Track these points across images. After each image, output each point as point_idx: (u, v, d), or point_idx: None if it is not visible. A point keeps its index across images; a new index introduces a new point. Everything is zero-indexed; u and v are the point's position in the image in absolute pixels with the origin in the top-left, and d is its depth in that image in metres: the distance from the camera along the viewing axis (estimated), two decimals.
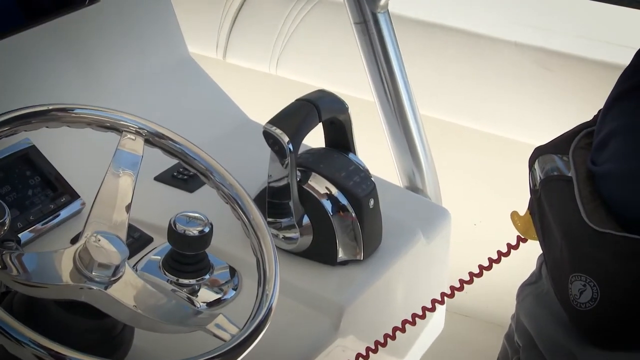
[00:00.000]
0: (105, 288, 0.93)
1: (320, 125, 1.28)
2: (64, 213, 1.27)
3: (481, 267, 1.15)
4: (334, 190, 1.24)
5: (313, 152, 1.30)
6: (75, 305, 0.94)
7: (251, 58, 2.42)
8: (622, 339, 0.93)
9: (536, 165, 1.03)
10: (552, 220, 0.98)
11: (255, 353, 0.93)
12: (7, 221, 0.96)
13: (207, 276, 1.19)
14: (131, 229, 1.14)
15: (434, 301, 1.22)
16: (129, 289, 0.94)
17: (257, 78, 2.41)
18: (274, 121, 1.21)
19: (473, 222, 2.17)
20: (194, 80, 1.59)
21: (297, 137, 1.21)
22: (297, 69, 2.36)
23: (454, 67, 2.14)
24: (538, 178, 1.02)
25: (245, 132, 1.56)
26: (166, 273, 1.18)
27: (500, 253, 1.13)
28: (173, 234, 1.14)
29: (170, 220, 1.14)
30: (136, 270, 1.16)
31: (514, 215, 1.09)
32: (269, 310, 0.95)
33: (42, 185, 1.27)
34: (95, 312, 0.94)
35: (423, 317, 1.23)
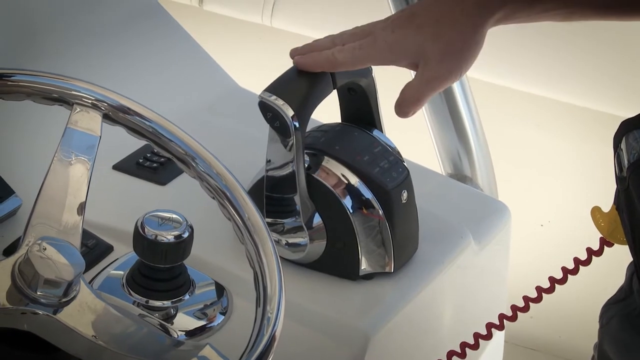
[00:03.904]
0: (55, 312, 0.94)
1: (334, 93, 1.29)
2: None
3: (552, 281, 1.16)
4: (354, 180, 1.26)
5: (326, 130, 1.31)
6: (15, 336, 0.96)
7: (237, 4, 2.43)
8: None
9: (623, 145, 1.04)
10: None
11: None
12: None
13: (186, 296, 1.21)
14: (85, 234, 1.16)
15: (489, 326, 1.24)
16: (86, 314, 0.95)
17: (246, 31, 2.41)
18: (272, 88, 1.22)
19: (540, 222, 2.18)
20: (163, 34, 1.60)
21: (304, 109, 1.22)
22: (300, 18, 2.36)
23: None
24: (626, 161, 1.03)
25: (233, 103, 1.57)
26: (132, 293, 1.20)
27: (577, 261, 1.14)
28: (140, 240, 1.15)
29: (136, 223, 1.16)
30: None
31: (596, 211, 1.09)
32: (271, 339, 0.96)
33: None
34: (41, 344, 0.95)
35: (475, 347, 1.24)
